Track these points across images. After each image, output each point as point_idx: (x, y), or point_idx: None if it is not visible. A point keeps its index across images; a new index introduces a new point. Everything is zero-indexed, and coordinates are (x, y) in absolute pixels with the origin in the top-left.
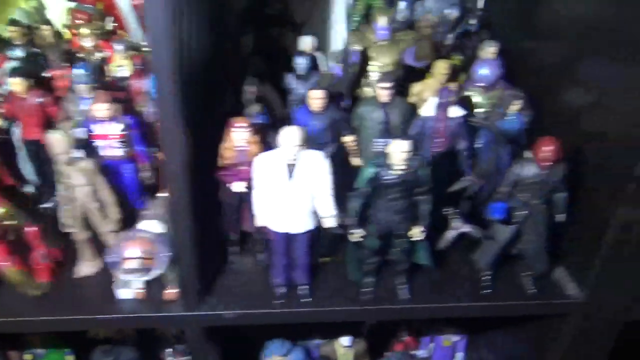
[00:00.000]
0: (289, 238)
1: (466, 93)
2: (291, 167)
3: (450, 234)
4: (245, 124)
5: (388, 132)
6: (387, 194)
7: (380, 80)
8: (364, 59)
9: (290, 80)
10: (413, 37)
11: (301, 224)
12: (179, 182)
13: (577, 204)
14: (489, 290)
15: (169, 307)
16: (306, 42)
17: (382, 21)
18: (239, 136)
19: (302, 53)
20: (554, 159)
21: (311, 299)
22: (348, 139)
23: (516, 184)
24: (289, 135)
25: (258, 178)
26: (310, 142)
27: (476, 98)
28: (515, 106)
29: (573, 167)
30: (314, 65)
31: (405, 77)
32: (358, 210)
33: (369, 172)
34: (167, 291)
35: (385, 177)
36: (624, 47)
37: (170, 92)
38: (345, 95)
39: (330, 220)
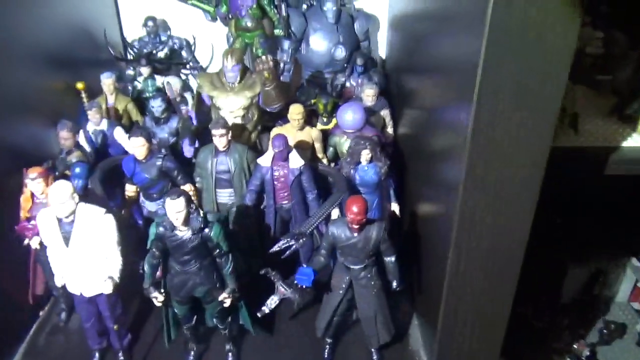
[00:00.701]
0: (89, 299)
1: (335, 138)
2: (68, 225)
3: (272, 301)
4: (37, 174)
5: (228, 182)
6: (177, 256)
7: (213, 126)
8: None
9: (147, 123)
10: (259, 80)
11: (92, 286)
12: None
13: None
14: None
15: None
16: (175, 83)
17: (227, 63)
18: (34, 188)
19: (159, 95)
20: (360, 221)
21: None
22: (186, 188)
23: (335, 247)
24: (53, 192)
25: (42, 236)
26: (143, 191)
27: (347, 145)
28: (365, 156)
29: (426, 225)
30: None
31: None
32: (149, 273)
33: (153, 232)
34: None
35: (170, 238)
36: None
37: None
38: (191, 141)
39: (107, 285)
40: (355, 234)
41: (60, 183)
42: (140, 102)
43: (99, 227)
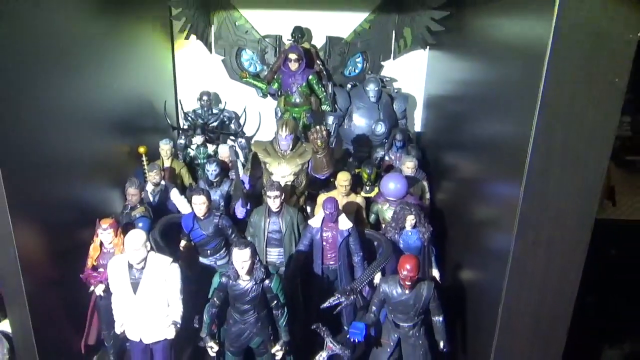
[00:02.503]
0: (146, 348)
1: (377, 205)
2: (138, 272)
3: (321, 357)
4: (109, 225)
5: (278, 242)
6: (237, 306)
7: (268, 188)
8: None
9: (201, 186)
10: (310, 148)
11: (154, 333)
12: (11, 280)
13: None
14: None
15: None
16: (223, 151)
17: (282, 133)
18: (104, 237)
19: (214, 160)
20: (412, 279)
21: None
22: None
23: (385, 304)
24: (129, 239)
25: (111, 282)
26: (198, 247)
27: (389, 212)
28: (409, 222)
29: (473, 288)
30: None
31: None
32: (208, 322)
33: (216, 281)
34: None
35: (232, 287)
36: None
37: None
38: (243, 203)
39: (170, 330)
40: (407, 291)
41: (136, 232)
42: (192, 168)
43: (165, 275)
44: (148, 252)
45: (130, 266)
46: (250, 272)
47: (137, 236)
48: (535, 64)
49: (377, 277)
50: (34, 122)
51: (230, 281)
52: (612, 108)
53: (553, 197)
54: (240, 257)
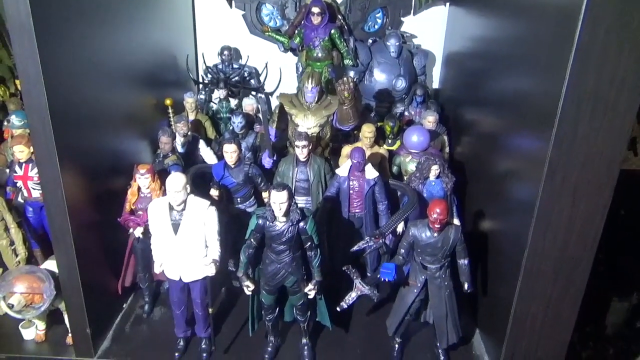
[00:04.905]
0: (184, 286)
1: (400, 157)
2: (178, 214)
3: (350, 297)
4: (146, 170)
5: (306, 190)
6: (273, 246)
7: (296, 138)
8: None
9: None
10: (336, 101)
11: (192, 272)
12: (59, 221)
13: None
14: None
15: (63, 351)
16: (248, 103)
17: (308, 85)
18: (142, 182)
19: (239, 112)
20: (442, 221)
21: (209, 355)
22: (265, 195)
23: (414, 247)
24: (170, 182)
25: (152, 224)
26: (230, 195)
27: (411, 164)
28: (433, 172)
29: (495, 235)
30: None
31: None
32: (245, 262)
33: (253, 223)
34: (70, 335)
35: (269, 228)
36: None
37: (46, 134)
38: (270, 153)
39: (210, 268)
40: (436, 234)
41: (177, 174)
42: (214, 121)
43: (204, 217)
44: (188, 194)
45: (171, 208)
46: (286, 214)
47: (179, 179)
48: (571, 11)
49: (400, 227)
50: (78, 77)
51: (267, 222)
52: None
53: (582, 143)
54: (278, 199)
